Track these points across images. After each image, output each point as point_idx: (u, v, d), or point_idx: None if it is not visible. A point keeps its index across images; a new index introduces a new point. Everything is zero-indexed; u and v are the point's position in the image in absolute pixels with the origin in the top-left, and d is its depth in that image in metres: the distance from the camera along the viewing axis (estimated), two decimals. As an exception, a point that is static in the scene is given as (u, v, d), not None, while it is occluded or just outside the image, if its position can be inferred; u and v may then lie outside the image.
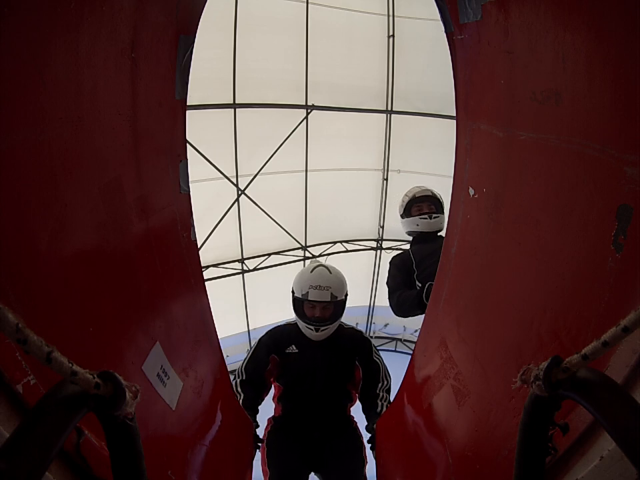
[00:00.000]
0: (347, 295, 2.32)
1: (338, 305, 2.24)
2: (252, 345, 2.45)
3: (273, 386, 2.44)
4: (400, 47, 6.49)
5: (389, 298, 2.90)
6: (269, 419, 2.42)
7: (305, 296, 2.20)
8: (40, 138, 0.78)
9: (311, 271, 2.28)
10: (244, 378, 2.28)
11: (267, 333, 2.43)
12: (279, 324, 2.49)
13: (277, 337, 2.37)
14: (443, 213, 2.96)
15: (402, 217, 3.04)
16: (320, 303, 2.19)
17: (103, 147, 1.03)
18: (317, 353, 2.29)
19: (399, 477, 1.88)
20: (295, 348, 2.33)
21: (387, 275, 2.99)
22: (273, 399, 2.47)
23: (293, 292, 2.31)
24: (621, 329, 0.50)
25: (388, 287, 2.92)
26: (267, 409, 2.44)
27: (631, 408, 0.49)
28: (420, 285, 2.68)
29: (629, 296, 0.71)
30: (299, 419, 2.32)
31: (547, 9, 0.91)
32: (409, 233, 3.02)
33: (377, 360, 2.39)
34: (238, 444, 2.03)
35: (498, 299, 1.22)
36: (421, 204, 2.96)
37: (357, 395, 2.45)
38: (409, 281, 2.77)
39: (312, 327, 2.21)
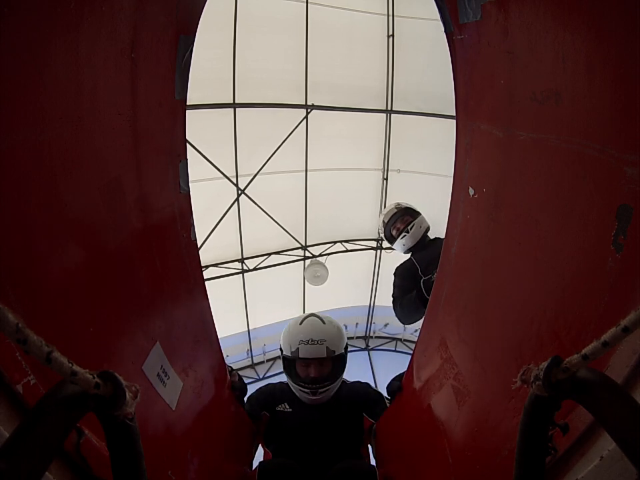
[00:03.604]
0: (347, 347, 1.95)
1: (337, 360, 1.88)
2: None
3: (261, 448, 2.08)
4: (400, 47, 6.48)
5: (394, 308, 2.87)
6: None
7: (295, 353, 1.83)
8: (40, 138, 0.78)
9: (300, 323, 1.91)
10: None
11: (256, 391, 2.11)
12: (272, 383, 2.14)
13: (268, 393, 2.05)
14: (417, 215, 3.01)
15: (390, 244, 3.12)
16: (314, 361, 1.84)
17: (103, 147, 1.03)
18: (314, 413, 1.91)
19: (399, 477, 1.88)
20: (287, 406, 1.96)
21: (391, 285, 2.97)
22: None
23: (281, 350, 1.94)
24: (621, 329, 0.50)
25: (393, 298, 2.89)
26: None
27: (630, 408, 0.49)
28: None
29: (628, 296, 0.71)
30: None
31: (547, 9, 0.91)
32: (406, 252, 3.06)
33: None
34: (238, 444, 2.03)
35: (498, 299, 1.22)
36: (394, 224, 3.01)
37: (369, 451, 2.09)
38: (416, 289, 2.74)
39: (307, 390, 1.85)
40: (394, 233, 3.00)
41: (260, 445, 2.09)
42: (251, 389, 2.18)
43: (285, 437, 1.94)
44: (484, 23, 1.18)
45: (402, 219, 2.98)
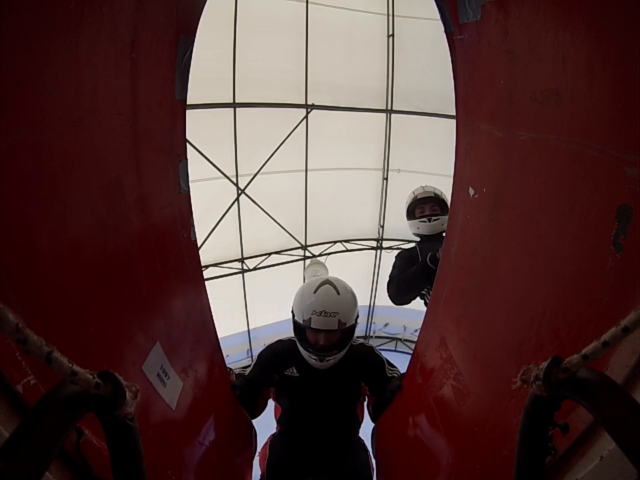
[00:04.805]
0: (357, 317, 1.98)
1: (347, 331, 1.91)
2: (252, 362, 2.18)
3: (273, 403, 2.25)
4: (400, 47, 6.48)
5: (389, 285, 2.84)
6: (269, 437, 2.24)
7: (306, 322, 1.84)
8: (40, 138, 0.78)
9: (315, 291, 1.88)
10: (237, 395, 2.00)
11: (266, 348, 2.16)
12: (280, 338, 2.18)
13: (278, 354, 2.09)
14: (446, 214, 2.90)
15: (407, 217, 3.03)
16: (325, 331, 1.86)
17: (103, 147, 1.03)
18: (321, 380, 2.01)
19: (399, 477, 1.88)
20: (295, 371, 2.03)
21: (391, 269, 2.92)
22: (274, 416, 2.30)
23: (292, 313, 1.95)
24: (621, 329, 0.50)
25: (390, 278, 2.86)
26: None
27: (630, 408, 0.49)
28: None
29: (628, 296, 0.71)
30: (301, 446, 2.11)
31: (547, 9, 0.91)
32: (414, 235, 3.02)
33: (391, 376, 2.08)
34: (238, 444, 2.03)
35: (498, 299, 1.22)
36: (423, 205, 2.93)
37: (364, 413, 2.27)
38: (420, 260, 2.72)
39: (315, 357, 1.90)
40: (417, 212, 2.95)
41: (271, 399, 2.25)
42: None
43: (292, 399, 2.12)
44: (484, 23, 1.18)
45: (432, 207, 2.91)
